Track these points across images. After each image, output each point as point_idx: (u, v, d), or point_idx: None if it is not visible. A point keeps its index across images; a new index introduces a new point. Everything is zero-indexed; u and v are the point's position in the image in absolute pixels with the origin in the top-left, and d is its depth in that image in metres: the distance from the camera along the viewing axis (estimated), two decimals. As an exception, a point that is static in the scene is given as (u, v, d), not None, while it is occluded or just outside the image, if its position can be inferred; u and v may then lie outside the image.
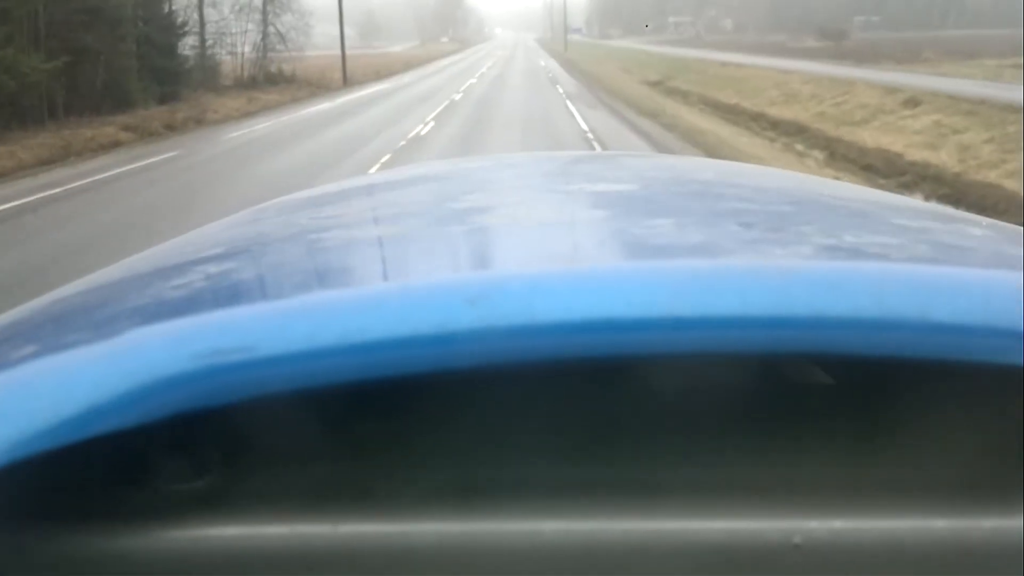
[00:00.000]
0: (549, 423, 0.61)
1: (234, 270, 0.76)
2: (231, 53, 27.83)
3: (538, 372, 0.53)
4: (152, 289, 0.74)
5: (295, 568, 0.56)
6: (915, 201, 1.17)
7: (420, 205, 1.02)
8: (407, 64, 47.83)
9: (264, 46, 29.05)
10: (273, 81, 27.80)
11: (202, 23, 26.34)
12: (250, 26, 28.75)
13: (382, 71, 38.70)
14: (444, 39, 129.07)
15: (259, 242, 0.88)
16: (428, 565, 0.56)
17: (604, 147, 12.14)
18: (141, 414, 0.51)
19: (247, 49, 28.83)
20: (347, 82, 30.01)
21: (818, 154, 13.06)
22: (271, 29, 29.22)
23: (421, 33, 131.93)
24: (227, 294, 0.68)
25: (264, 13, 29.05)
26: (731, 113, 19.90)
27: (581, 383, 0.61)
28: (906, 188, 9.83)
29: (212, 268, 0.76)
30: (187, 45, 25.79)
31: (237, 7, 28.35)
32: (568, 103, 20.25)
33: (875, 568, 0.56)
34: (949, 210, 1.13)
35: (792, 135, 15.25)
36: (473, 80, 30.79)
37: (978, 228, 0.84)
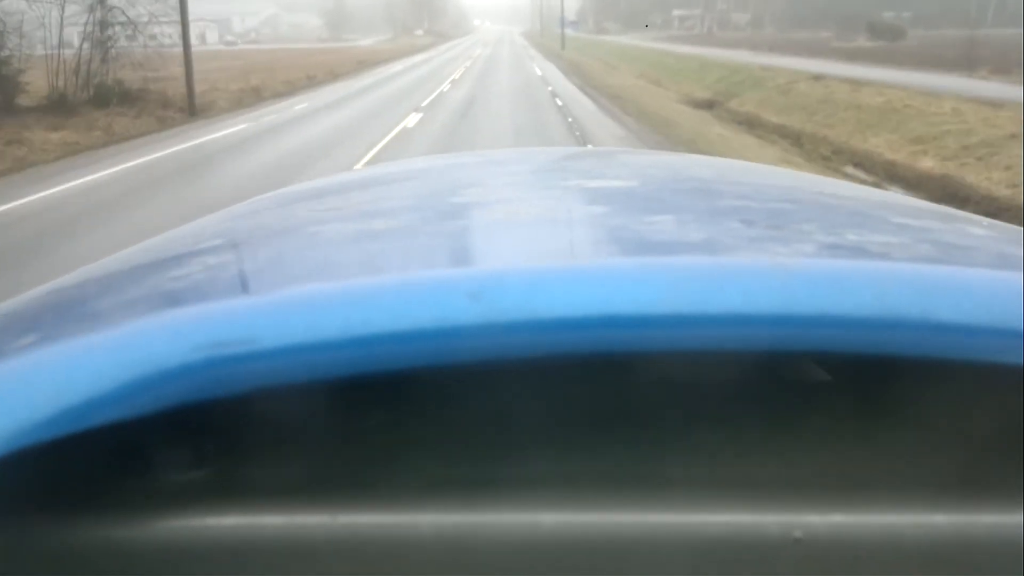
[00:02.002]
0: (549, 417, 0.61)
1: (234, 262, 0.76)
2: (26, 51, 16.83)
3: (538, 366, 0.53)
4: (152, 280, 0.74)
5: (293, 558, 0.56)
6: (915, 200, 1.13)
7: (421, 199, 1.01)
8: (359, 63, 36.77)
9: (101, 40, 18.06)
10: (104, 101, 16.94)
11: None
12: (74, 7, 17.73)
13: (311, 78, 27.34)
14: (419, 32, 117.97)
15: (259, 234, 0.88)
16: (426, 556, 0.56)
17: None
18: (141, 405, 0.51)
19: (73, 48, 17.93)
20: (197, 110, 17.81)
21: None
22: (114, 15, 18.13)
23: (394, 25, 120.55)
24: (227, 286, 0.67)
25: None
26: (957, 203, 9.56)
27: (581, 377, 0.60)
28: None
29: (212, 259, 0.77)
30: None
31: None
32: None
33: (875, 563, 0.55)
34: (949, 210, 1.03)
35: None
36: (409, 123, 14.59)
37: (979, 228, 0.83)
